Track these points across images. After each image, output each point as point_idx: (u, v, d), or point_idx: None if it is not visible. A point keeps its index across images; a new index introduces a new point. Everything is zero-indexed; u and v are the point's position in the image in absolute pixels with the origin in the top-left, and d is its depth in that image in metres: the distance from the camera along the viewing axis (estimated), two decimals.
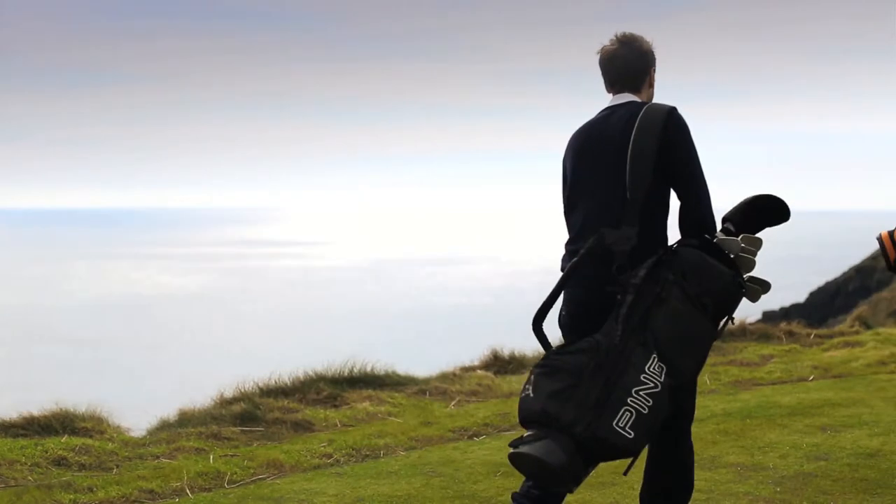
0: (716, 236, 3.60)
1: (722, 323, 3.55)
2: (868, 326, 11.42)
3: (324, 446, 6.08)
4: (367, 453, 5.98)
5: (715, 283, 3.46)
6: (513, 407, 6.67)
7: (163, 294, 76.74)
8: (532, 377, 3.38)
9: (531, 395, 3.35)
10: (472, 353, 9.17)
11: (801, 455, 5.57)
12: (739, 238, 3.59)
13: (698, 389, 8.02)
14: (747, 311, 12.02)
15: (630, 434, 3.24)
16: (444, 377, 8.25)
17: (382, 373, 8.07)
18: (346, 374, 7.86)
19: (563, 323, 3.74)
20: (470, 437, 6.37)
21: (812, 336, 10.35)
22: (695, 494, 4.92)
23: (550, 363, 3.37)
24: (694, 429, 6.30)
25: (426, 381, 8.06)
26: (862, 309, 17.60)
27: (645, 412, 3.26)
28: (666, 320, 3.38)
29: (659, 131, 3.54)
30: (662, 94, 3.87)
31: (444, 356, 9.42)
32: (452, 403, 7.39)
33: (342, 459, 5.85)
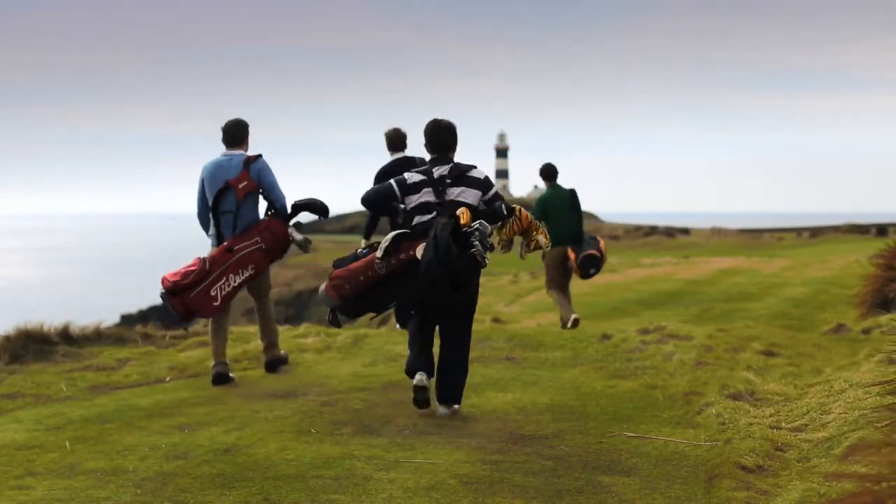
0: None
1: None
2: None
3: None
4: None
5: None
6: None
7: None
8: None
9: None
10: None
11: (161, 455, 5.58)
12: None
13: (55, 398, 7.63)
14: (103, 316, 11.82)
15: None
16: None
17: None
18: None
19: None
20: None
21: (168, 337, 10.48)
22: None
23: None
24: (51, 438, 6.04)
25: None
26: None
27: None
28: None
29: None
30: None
31: None
32: None
33: None
